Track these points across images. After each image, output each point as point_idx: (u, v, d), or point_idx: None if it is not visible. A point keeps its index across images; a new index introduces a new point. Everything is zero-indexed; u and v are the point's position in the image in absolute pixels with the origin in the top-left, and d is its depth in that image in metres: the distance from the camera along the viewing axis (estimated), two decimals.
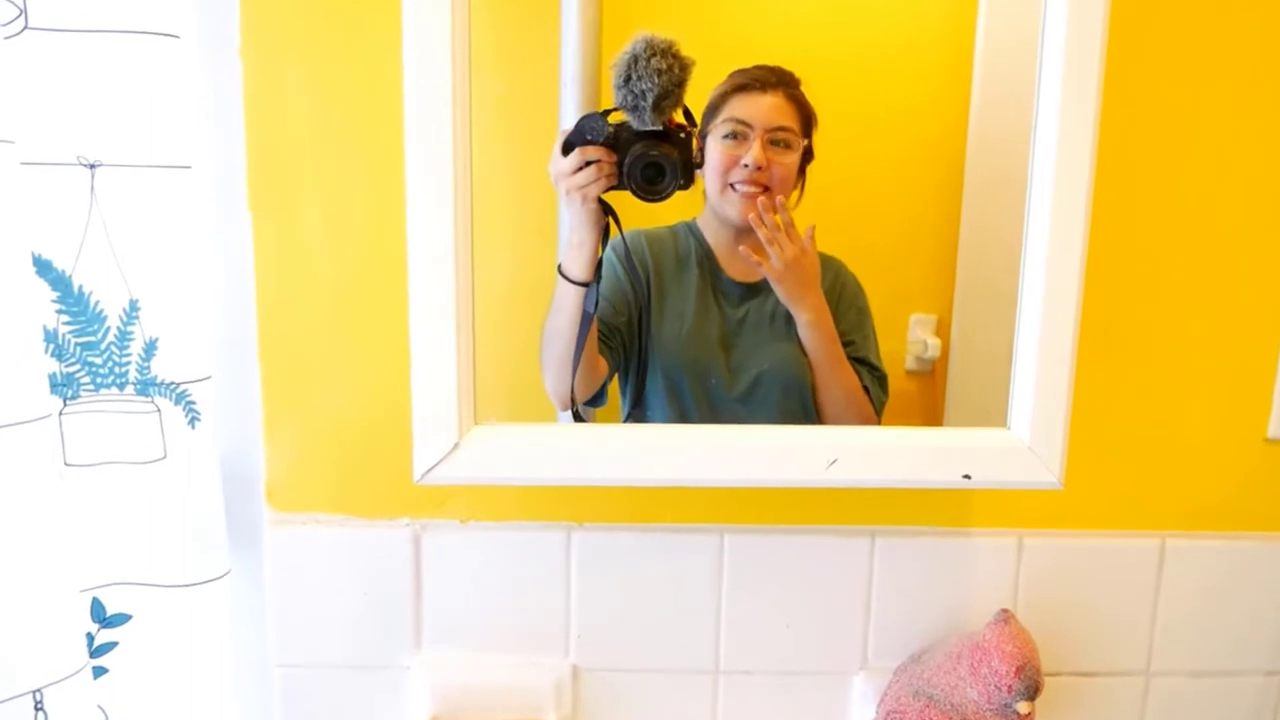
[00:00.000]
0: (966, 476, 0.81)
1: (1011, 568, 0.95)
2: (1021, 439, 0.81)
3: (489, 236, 0.81)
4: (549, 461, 0.81)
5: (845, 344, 0.88)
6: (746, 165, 0.84)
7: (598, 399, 0.88)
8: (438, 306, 0.76)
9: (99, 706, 0.85)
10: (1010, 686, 0.83)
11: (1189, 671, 0.98)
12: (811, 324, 0.87)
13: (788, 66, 0.84)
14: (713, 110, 0.84)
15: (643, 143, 0.81)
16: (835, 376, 0.87)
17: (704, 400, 0.88)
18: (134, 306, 0.82)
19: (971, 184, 0.87)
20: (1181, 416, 0.94)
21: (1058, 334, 0.79)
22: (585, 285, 0.83)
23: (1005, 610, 0.88)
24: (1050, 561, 0.95)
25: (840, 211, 0.88)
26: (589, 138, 0.81)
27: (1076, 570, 0.95)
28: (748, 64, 0.84)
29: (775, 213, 0.84)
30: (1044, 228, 0.78)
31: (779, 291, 0.86)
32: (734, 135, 0.84)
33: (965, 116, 0.87)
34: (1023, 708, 0.84)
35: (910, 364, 0.90)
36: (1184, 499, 0.95)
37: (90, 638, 0.85)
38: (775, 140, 0.84)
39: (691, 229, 0.88)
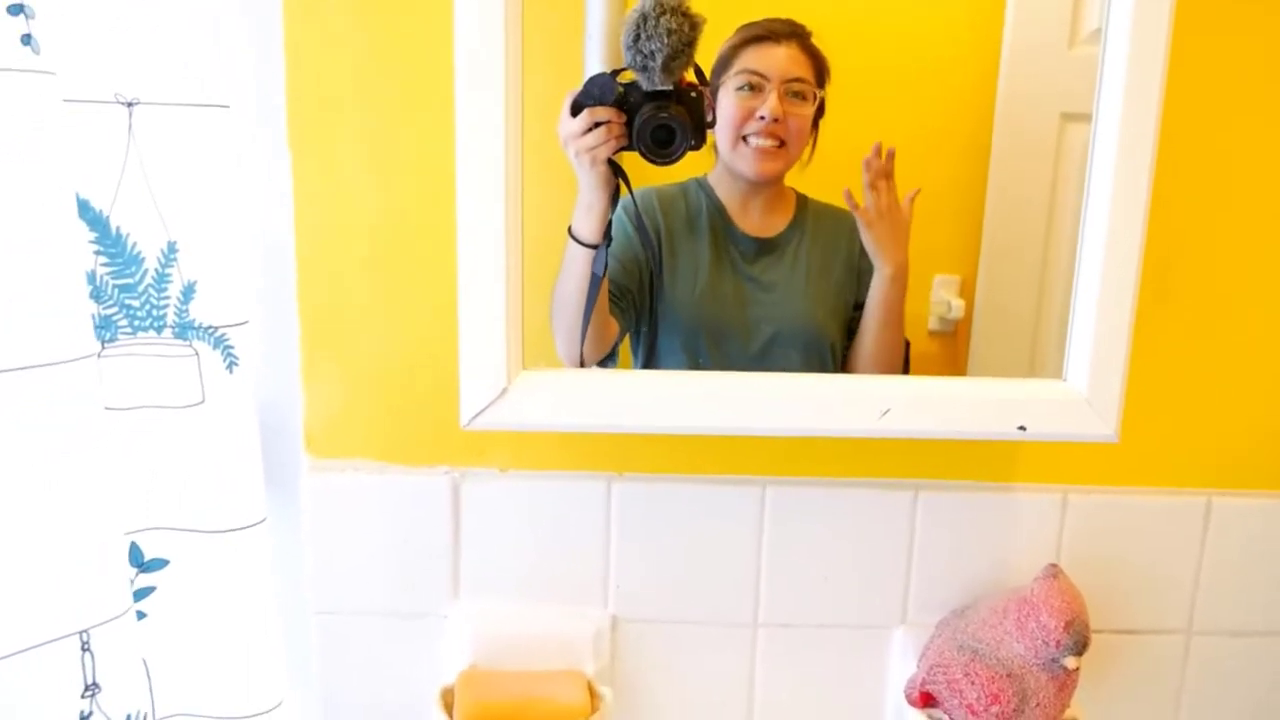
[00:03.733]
0: (1021, 428, 0.80)
1: (1055, 524, 0.94)
2: (1078, 391, 0.80)
3: (526, 188, 0.79)
4: (599, 407, 0.80)
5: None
6: (763, 117, 0.82)
7: (608, 361, 0.87)
8: (487, 247, 0.75)
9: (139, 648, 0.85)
10: (1059, 641, 0.82)
11: (1231, 631, 0.97)
12: (892, 278, 0.85)
13: (810, 17, 0.82)
14: (724, 63, 0.82)
15: (652, 104, 0.79)
16: (890, 334, 0.86)
17: (720, 359, 0.86)
18: (172, 248, 0.81)
19: (1000, 144, 0.86)
20: (1233, 373, 0.93)
21: (1119, 284, 0.78)
22: (595, 248, 0.82)
23: (1053, 565, 0.87)
24: (1094, 518, 0.94)
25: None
26: (598, 98, 0.79)
27: (1121, 527, 0.94)
28: (758, 18, 0.82)
29: (884, 158, 0.83)
30: (1107, 178, 0.77)
31: (867, 237, 0.85)
32: (749, 87, 0.82)
33: (995, 72, 0.85)
34: (1070, 663, 0.83)
35: (933, 324, 0.89)
36: (1232, 457, 0.94)
37: (128, 582, 0.84)
38: (792, 92, 0.82)
39: (702, 185, 0.87)
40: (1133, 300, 0.79)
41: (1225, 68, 0.87)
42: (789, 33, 0.82)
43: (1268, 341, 0.92)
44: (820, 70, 0.83)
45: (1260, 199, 0.89)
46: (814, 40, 0.82)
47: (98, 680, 0.74)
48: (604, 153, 0.80)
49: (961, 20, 0.85)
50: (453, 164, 0.76)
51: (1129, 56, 0.76)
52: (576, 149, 0.80)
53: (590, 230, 0.82)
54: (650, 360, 0.87)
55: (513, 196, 0.75)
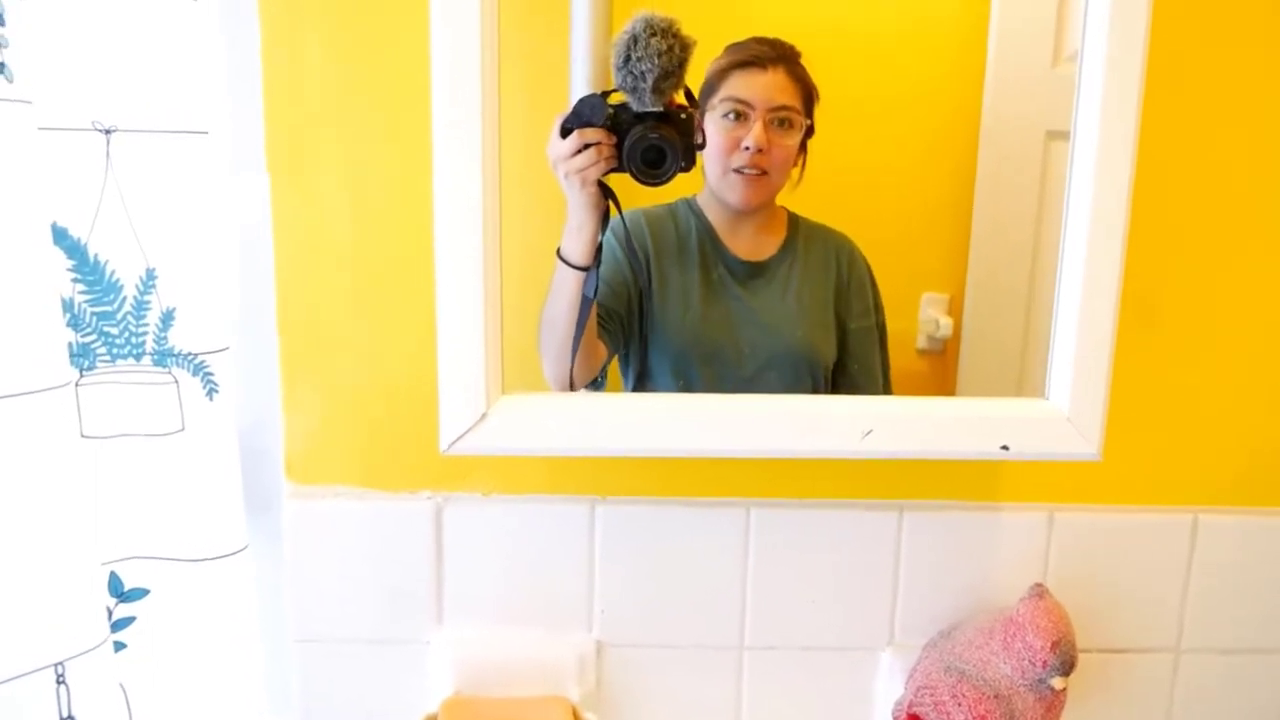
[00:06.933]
0: (1004, 447, 0.80)
1: (1042, 543, 0.94)
2: (1060, 409, 0.80)
3: (506, 212, 0.79)
4: (579, 431, 0.80)
5: (864, 316, 0.87)
6: (747, 148, 0.82)
7: (596, 383, 0.86)
8: (466, 271, 0.75)
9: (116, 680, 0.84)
10: (1045, 661, 0.82)
11: (1219, 648, 0.97)
12: None
13: (796, 39, 0.82)
14: (710, 88, 0.82)
15: (643, 125, 0.79)
16: None
17: (711, 381, 0.86)
18: (151, 275, 0.80)
19: (986, 162, 0.86)
20: (1217, 390, 0.93)
21: (1099, 303, 0.78)
22: (585, 270, 0.81)
23: (1039, 585, 0.87)
24: (1081, 536, 0.94)
25: (852, 189, 0.87)
26: (588, 120, 0.79)
27: (1107, 545, 0.94)
28: (746, 39, 0.82)
29: None
30: (1087, 195, 0.77)
31: None
32: (735, 115, 0.82)
33: (980, 93, 0.86)
34: (1057, 683, 0.83)
35: (922, 343, 0.89)
36: (1217, 474, 0.94)
37: (108, 612, 0.83)
38: (778, 120, 0.82)
39: (691, 206, 0.86)
40: (1113, 317, 0.79)
41: (1205, 84, 0.87)
42: (776, 58, 0.82)
43: (1251, 357, 0.92)
44: (808, 96, 0.83)
45: (1242, 215, 0.90)
46: (803, 62, 0.82)
47: (74, 714, 0.74)
48: (594, 174, 0.79)
49: (946, 40, 0.86)
50: (431, 188, 0.76)
51: (1105, 74, 0.76)
52: (566, 170, 0.80)
53: (580, 252, 0.81)
54: (641, 383, 0.87)
55: (491, 220, 0.75)
